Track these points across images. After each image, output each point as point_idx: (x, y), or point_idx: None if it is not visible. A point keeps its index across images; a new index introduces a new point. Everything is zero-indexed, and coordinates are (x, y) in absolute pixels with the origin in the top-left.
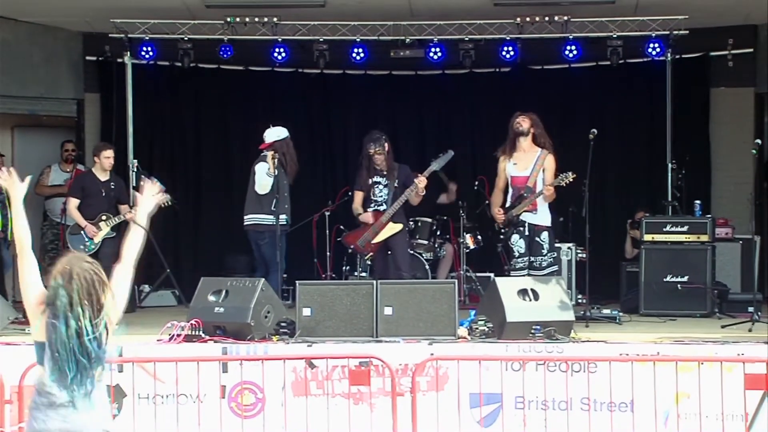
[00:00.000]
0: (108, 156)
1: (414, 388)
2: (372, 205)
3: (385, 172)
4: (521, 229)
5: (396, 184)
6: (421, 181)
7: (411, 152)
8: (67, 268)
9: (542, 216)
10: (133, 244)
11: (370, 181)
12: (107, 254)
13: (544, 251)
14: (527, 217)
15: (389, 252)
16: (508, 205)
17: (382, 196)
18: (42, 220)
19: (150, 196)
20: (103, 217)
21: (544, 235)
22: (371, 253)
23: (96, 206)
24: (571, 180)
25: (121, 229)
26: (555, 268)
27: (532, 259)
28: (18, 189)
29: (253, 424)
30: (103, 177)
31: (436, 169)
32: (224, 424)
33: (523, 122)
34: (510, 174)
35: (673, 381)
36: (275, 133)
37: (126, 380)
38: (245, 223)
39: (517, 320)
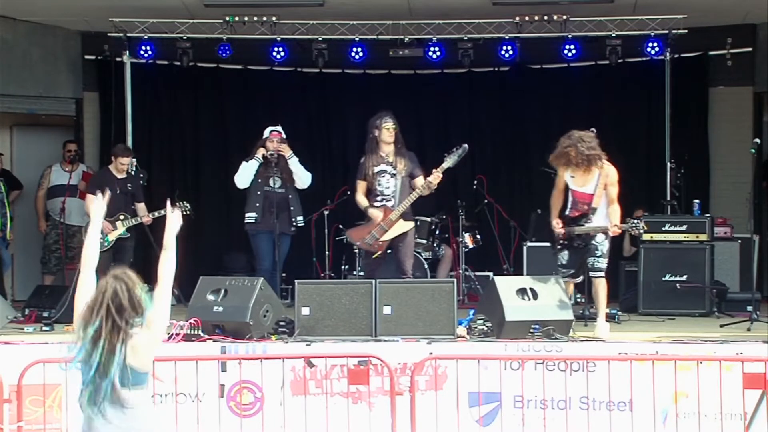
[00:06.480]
0: (123, 163)
1: (413, 387)
2: (378, 198)
3: (391, 160)
4: (578, 243)
5: (404, 174)
6: (435, 178)
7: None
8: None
9: (597, 221)
10: (167, 266)
11: (376, 169)
12: (120, 253)
13: (598, 253)
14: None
15: (389, 250)
16: (567, 212)
17: (389, 188)
18: (46, 220)
19: (175, 220)
20: (121, 217)
21: (600, 237)
22: (379, 252)
23: (113, 204)
24: (641, 232)
25: (136, 230)
26: (601, 275)
27: (588, 260)
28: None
29: (251, 424)
30: (120, 175)
31: (450, 166)
32: (223, 423)
33: (574, 157)
34: (569, 185)
35: (672, 380)
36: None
37: None
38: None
39: (516, 319)
